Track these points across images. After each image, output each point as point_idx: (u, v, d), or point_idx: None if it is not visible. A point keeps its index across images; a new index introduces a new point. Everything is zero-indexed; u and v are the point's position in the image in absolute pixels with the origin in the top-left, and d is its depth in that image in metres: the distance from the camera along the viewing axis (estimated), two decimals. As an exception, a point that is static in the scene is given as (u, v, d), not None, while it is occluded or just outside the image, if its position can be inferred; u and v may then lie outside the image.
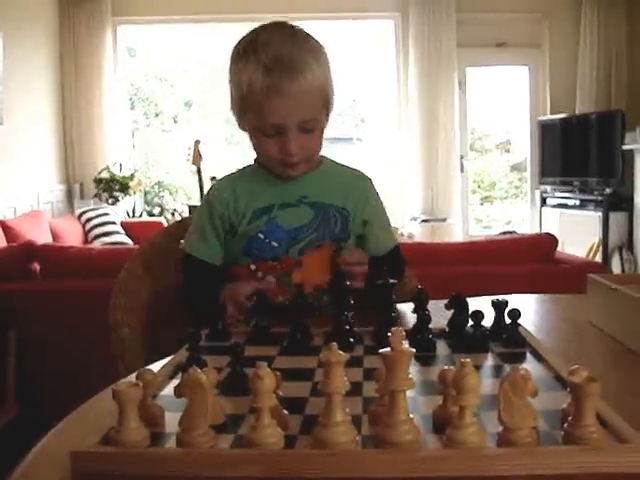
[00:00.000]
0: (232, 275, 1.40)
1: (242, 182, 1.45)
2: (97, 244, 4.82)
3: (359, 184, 1.49)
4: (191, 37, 7.27)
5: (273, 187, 1.41)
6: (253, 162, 1.47)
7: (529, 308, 1.44)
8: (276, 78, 1.25)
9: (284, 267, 1.37)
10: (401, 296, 1.17)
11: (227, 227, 1.41)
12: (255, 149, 1.40)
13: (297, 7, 5.79)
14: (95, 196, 5.82)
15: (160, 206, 7.05)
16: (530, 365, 0.91)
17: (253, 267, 1.38)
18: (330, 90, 1.36)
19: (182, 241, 1.47)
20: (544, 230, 5.66)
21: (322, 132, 1.38)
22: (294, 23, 1.37)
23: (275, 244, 1.37)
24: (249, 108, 1.32)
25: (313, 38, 1.35)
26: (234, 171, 1.51)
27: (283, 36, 1.31)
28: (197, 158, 5.29)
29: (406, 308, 1.19)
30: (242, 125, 1.39)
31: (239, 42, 1.34)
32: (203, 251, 1.42)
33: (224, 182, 1.48)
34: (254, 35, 1.32)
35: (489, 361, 0.95)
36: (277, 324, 1.08)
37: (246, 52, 1.30)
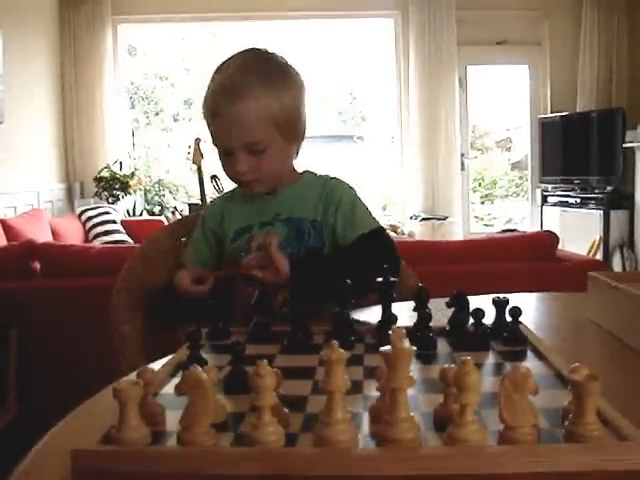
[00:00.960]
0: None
1: (229, 203, 1.51)
2: (97, 243, 4.82)
3: (329, 192, 1.45)
4: (191, 36, 7.27)
5: (252, 206, 1.46)
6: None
7: (530, 306, 1.44)
8: (218, 102, 1.32)
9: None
10: (402, 294, 1.17)
11: (216, 241, 1.47)
12: None
13: (297, 6, 5.78)
14: (95, 195, 5.83)
15: (160, 205, 7.05)
16: (531, 363, 0.91)
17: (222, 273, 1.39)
18: (286, 117, 1.35)
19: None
20: (545, 228, 5.65)
21: (280, 154, 1.39)
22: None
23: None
24: (209, 128, 1.38)
25: (282, 67, 1.38)
26: (228, 190, 1.58)
27: (243, 63, 1.36)
28: (197, 157, 5.28)
29: (407, 306, 1.19)
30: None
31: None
32: (192, 256, 1.47)
33: (215, 202, 1.58)
34: (226, 60, 1.38)
35: (490, 359, 0.95)
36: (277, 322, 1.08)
37: (217, 69, 1.37)
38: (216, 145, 1.38)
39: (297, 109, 1.39)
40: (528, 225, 6.56)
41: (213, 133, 1.37)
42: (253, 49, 1.41)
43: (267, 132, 1.34)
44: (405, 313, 1.09)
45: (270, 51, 1.41)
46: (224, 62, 1.38)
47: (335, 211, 1.43)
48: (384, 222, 5.35)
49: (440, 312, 1.10)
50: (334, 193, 1.46)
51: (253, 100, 1.31)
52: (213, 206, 1.56)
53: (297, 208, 1.44)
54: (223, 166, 1.40)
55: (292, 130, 1.39)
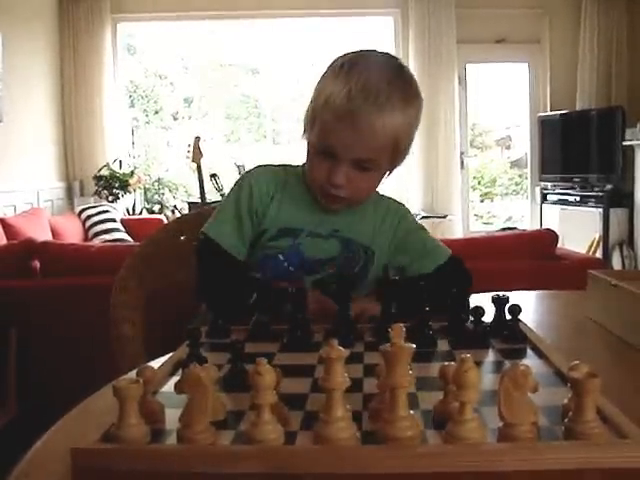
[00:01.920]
0: None
1: (283, 191, 1.36)
2: (97, 241, 4.82)
3: (390, 219, 1.40)
4: (190, 34, 7.25)
5: (308, 209, 1.34)
6: (301, 168, 1.39)
7: (529, 304, 1.44)
8: (355, 106, 1.18)
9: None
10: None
11: (251, 221, 1.33)
12: (306, 164, 1.34)
13: (297, 4, 5.78)
14: (95, 193, 5.82)
15: (160, 203, 7.05)
16: (530, 361, 0.91)
17: (258, 276, 1.30)
18: (406, 141, 1.28)
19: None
20: (544, 226, 5.65)
21: (380, 177, 1.31)
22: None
23: (292, 269, 1.31)
24: (317, 121, 1.25)
25: (414, 84, 1.28)
26: (278, 165, 1.42)
27: (383, 69, 1.24)
28: (197, 155, 5.28)
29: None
30: (306, 134, 1.32)
31: (343, 56, 1.27)
32: (233, 242, 1.32)
33: (268, 179, 1.38)
34: (358, 56, 1.26)
35: (489, 357, 0.95)
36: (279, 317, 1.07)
37: (342, 68, 1.23)
38: (316, 141, 1.25)
39: (414, 133, 1.30)
40: (528, 223, 6.56)
41: (325, 131, 1.23)
42: (386, 54, 1.30)
43: (384, 154, 1.25)
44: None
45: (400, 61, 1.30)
46: (354, 59, 1.24)
47: (403, 243, 1.38)
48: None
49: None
50: (401, 224, 1.40)
51: (391, 116, 1.20)
52: (264, 183, 1.37)
53: (355, 229, 1.36)
54: (310, 166, 1.29)
55: (402, 155, 1.31)
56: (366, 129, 1.19)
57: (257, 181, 1.37)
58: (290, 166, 1.42)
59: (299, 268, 1.32)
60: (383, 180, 1.34)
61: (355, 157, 1.22)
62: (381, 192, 1.44)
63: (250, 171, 1.41)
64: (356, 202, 1.32)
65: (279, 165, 1.43)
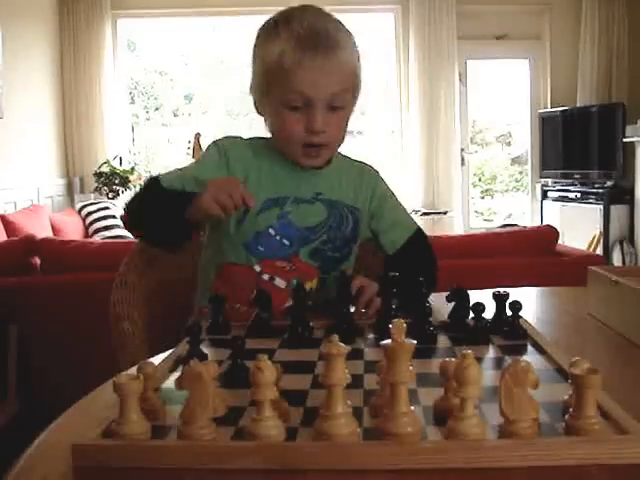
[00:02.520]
0: (230, 274, 1.32)
1: (259, 158, 1.34)
2: (97, 238, 4.82)
3: (367, 179, 1.43)
4: (191, 30, 7.24)
5: (286, 176, 1.33)
6: (265, 141, 1.37)
7: (530, 300, 1.44)
8: (311, 48, 1.21)
9: (295, 269, 1.30)
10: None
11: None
12: (275, 133, 1.32)
13: (298, 0, 5.76)
14: (95, 190, 5.82)
15: (160, 200, 7.03)
16: (531, 357, 0.91)
17: (258, 269, 1.29)
18: (359, 76, 1.31)
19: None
20: (545, 223, 5.65)
21: (348, 119, 1.32)
22: None
23: (286, 242, 1.30)
24: (276, 81, 1.25)
25: (344, 25, 1.31)
26: (252, 138, 1.39)
27: (317, 12, 1.29)
28: (197, 152, 5.28)
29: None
30: (262, 106, 1.32)
31: (268, 21, 1.31)
32: (177, 186, 1.26)
33: (238, 144, 1.36)
34: (285, 12, 1.29)
35: (490, 353, 0.95)
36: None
37: (277, 25, 1.26)
38: (285, 98, 1.24)
39: (361, 72, 1.33)
40: (528, 220, 6.55)
41: (292, 83, 1.22)
42: (306, 5, 1.31)
43: (348, 89, 1.28)
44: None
45: None
46: (284, 15, 1.28)
47: (378, 204, 1.41)
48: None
49: (440, 306, 1.10)
50: (377, 184, 1.43)
51: (346, 52, 1.26)
52: (239, 149, 1.35)
53: (336, 190, 1.36)
54: (283, 125, 1.27)
55: (358, 93, 1.33)
56: (329, 67, 1.22)
57: (232, 146, 1.35)
58: (257, 139, 1.40)
59: (292, 240, 1.30)
60: (349, 123, 1.34)
61: (329, 94, 1.24)
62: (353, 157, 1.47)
63: (220, 139, 1.37)
64: (332, 148, 1.33)
65: (247, 139, 1.41)
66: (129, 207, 1.31)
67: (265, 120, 1.34)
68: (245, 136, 1.41)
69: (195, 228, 1.28)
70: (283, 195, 1.31)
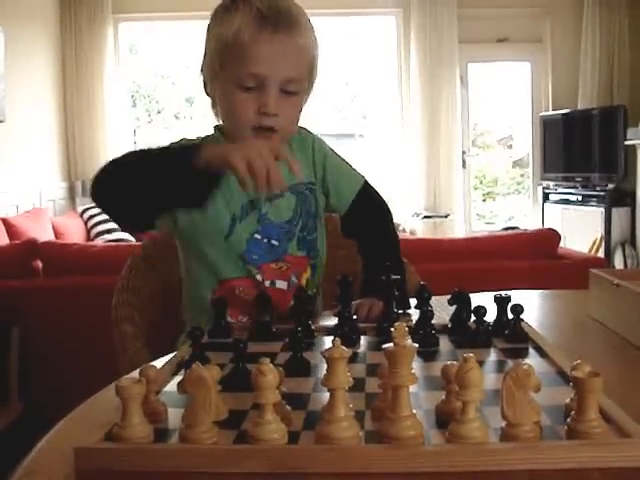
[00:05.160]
0: (231, 289, 1.27)
1: None
2: (99, 241, 4.82)
3: (308, 146, 1.37)
4: (192, 33, 7.25)
5: None
6: (214, 131, 1.33)
7: (531, 304, 1.44)
8: (271, 25, 1.17)
9: (290, 266, 1.29)
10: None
11: (211, 220, 1.24)
12: (224, 115, 1.27)
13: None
14: (97, 193, 5.82)
15: (162, 203, 7.04)
16: (533, 360, 0.91)
17: (260, 278, 1.26)
18: (316, 61, 1.28)
19: None
20: (546, 226, 5.65)
21: (301, 106, 1.28)
22: None
23: (275, 242, 1.28)
24: (230, 58, 1.20)
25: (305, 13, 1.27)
26: (207, 136, 1.34)
27: None
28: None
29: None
30: (212, 88, 1.28)
31: (221, 3, 1.26)
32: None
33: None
34: None
35: (492, 356, 0.95)
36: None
37: (229, 6, 1.22)
38: (239, 76, 1.19)
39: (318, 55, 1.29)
40: (530, 223, 6.55)
41: (248, 60, 1.17)
42: None
43: (304, 73, 1.24)
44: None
45: None
46: None
47: (324, 172, 1.37)
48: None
49: (442, 310, 1.10)
50: (320, 152, 1.38)
51: (306, 33, 1.22)
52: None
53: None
54: (234, 107, 1.21)
55: (314, 79, 1.29)
56: (284, 48, 1.18)
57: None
58: (205, 137, 1.35)
59: (279, 238, 1.28)
60: (302, 109, 1.30)
61: (284, 76, 1.19)
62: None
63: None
64: (285, 133, 1.25)
65: (194, 139, 1.35)
66: (103, 174, 1.17)
67: (213, 104, 1.29)
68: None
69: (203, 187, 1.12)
70: (255, 195, 1.23)
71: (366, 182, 1.43)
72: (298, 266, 1.30)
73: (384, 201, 1.45)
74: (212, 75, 1.26)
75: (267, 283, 1.27)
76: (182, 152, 1.14)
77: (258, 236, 1.27)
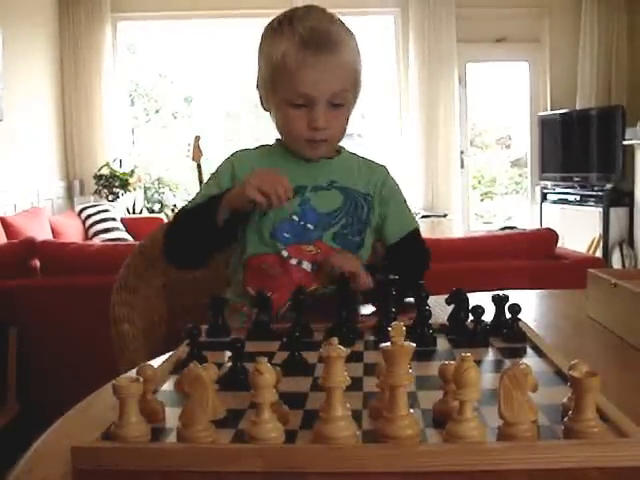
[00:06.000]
0: (258, 264, 1.35)
1: (267, 159, 1.42)
2: (97, 240, 4.82)
3: (378, 170, 1.48)
4: (191, 33, 7.25)
5: (301, 168, 1.38)
6: (274, 141, 1.45)
7: (529, 303, 1.44)
8: (312, 49, 1.26)
9: (320, 252, 1.34)
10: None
11: (250, 205, 1.33)
12: (279, 127, 1.38)
13: (298, 3, 5.78)
14: (95, 192, 5.82)
15: (160, 202, 7.04)
16: (530, 360, 0.91)
17: (285, 254, 1.33)
18: (361, 73, 1.37)
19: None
20: (544, 226, 5.65)
21: (348, 115, 1.38)
22: None
23: (310, 227, 1.35)
24: (280, 80, 1.30)
25: (346, 25, 1.37)
26: (259, 146, 1.48)
27: (319, 14, 1.33)
28: (197, 154, 5.28)
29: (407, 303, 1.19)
30: (268, 104, 1.38)
31: (272, 20, 1.35)
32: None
33: (246, 153, 1.45)
34: (289, 12, 1.34)
35: (489, 356, 0.95)
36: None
37: (281, 25, 1.31)
38: (289, 97, 1.30)
39: (362, 70, 1.39)
40: (528, 222, 6.56)
41: (295, 83, 1.28)
42: (310, 5, 1.36)
43: (349, 87, 1.34)
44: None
45: None
46: (287, 15, 1.33)
47: (387, 194, 1.45)
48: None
49: (440, 309, 1.10)
50: (387, 177, 1.48)
51: (347, 50, 1.31)
52: (244, 159, 1.42)
53: (349, 178, 1.41)
54: (288, 123, 1.33)
55: (358, 89, 1.38)
56: (330, 65, 1.28)
57: (238, 158, 1.43)
58: (263, 145, 1.47)
59: (316, 224, 1.35)
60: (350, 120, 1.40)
61: (330, 93, 1.29)
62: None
63: (230, 155, 1.45)
64: (332, 144, 1.39)
65: (255, 147, 1.49)
66: (165, 237, 1.39)
67: (271, 115, 1.40)
68: (253, 145, 1.49)
69: (229, 229, 1.32)
70: (301, 184, 1.36)
71: (418, 229, 1.50)
72: (327, 252, 1.35)
73: (430, 251, 1.49)
74: (267, 92, 1.37)
75: (294, 261, 1.34)
76: (207, 211, 1.31)
77: (296, 217, 1.35)
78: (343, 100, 1.32)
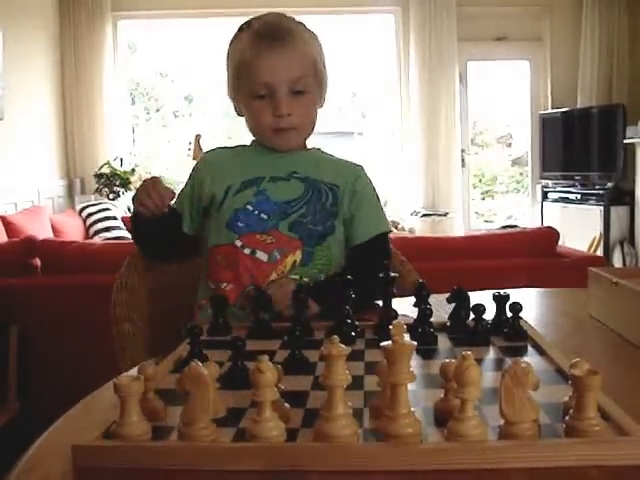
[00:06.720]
0: (215, 255, 1.37)
1: (233, 154, 1.49)
2: (98, 239, 4.82)
3: (352, 168, 1.48)
4: (191, 32, 7.25)
5: (264, 160, 1.43)
6: (250, 141, 1.49)
7: (530, 302, 1.44)
8: (267, 39, 1.34)
9: (275, 242, 1.34)
10: (402, 290, 1.17)
11: (208, 199, 1.40)
12: (250, 125, 1.43)
13: (297, 2, 5.76)
14: (96, 191, 5.81)
15: (161, 201, 7.02)
16: (531, 358, 0.91)
17: (239, 244, 1.34)
18: (321, 65, 1.42)
19: None
20: (545, 224, 5.65)
21: (314, 105, 1.42)
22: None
23: (264, 216, 1.36)
24: (242, 75, 1.37)
25: (307, 26, 1.44)
26: (234, 145, 1.54)
27: (279, 14, 1.41)
28: (198, 153, 5.28)
29: (407, 302, 1.19)
30: (239, 106, 1.44)
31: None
32: (178, 200, 1.45)
33: (214, 152, 1.54)
34: (250, 19, 1.42)
35: (490, 354, 0.95)
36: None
37: (241, 30, 1.40)
38: (251, 90, 1.36)
39: (325, 67, 1.44)
40: (528, 221, 6.55)
41: (254, 75, 1.35)
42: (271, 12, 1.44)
43: (309, 74, 1.38)
44: (406, 309, 1.10)
45: None
46: (247, 21, 1.41)
47: (360, 189, 1.44)
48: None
49: (441, 308, 1.10)
50: (360, 173, 1.47)
51: (302, 40, 1.37)
52: (215, 156, 1.51)
53: (313, 169, 1.42)
54: (254, 116, 1.39)
55: (323, 83, 1.43)
56: (287, 50, 1.34)
57: (208, 155, 1.54)
58: (241, 145, 1.52)
59: (270, 214, 1.36)
60: (317, 113, 1.44)
61: (287, 78, 1.34)
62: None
63: (205, 152, 1.56)
64: (302, 130, 1.42)
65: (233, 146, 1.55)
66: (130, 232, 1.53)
67: (245, 120, 1.44)
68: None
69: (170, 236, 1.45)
70: (259, 176, 1.40)
71: (387, 233, 1.47)
72: (285, 245, 1.35)
73: (388, 261, 1.45)
74: (235, 94, 1.44)
75: (247, 251, 1.34)
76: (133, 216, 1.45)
77: (250, 207, 1.37)
78: (304, 87, 1.36)
